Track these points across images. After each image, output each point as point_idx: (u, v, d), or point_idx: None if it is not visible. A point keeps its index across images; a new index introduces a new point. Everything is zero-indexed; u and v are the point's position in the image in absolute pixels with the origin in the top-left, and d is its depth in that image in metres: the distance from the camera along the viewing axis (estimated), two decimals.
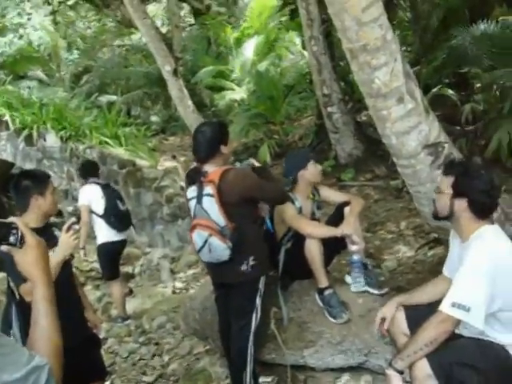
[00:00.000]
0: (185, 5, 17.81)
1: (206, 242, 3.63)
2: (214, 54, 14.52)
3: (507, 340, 2.88)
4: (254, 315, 3.77)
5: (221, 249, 3.61)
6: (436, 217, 3.17)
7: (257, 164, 4.00)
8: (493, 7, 10.90)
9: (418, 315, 3.05)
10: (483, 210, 2.98)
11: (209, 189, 3.60)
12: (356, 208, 4.17)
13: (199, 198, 3.65)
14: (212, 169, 3.67)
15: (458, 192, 2.94)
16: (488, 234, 2.92)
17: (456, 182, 2.95)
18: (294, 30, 13.57)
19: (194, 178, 3.74)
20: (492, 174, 3.06)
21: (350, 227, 3.99)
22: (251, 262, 3.69)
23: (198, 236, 3.68)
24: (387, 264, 6.01)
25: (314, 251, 3.93)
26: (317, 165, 4.35)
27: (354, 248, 4.03)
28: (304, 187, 4.32)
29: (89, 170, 6.65)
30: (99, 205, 6.33)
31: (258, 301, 3.77)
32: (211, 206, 3.59)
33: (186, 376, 4.98)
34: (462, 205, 2.93)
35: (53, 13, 20.44)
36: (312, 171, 4.30)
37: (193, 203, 3.72)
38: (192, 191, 3.75)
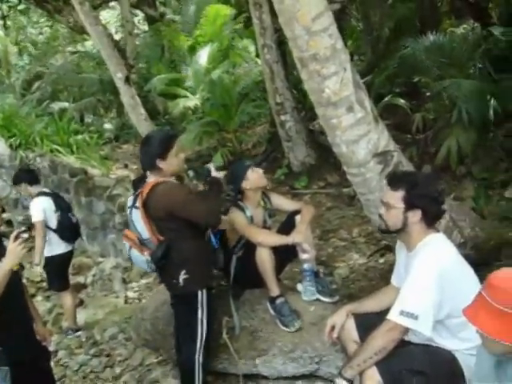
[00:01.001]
0: (139, 12, 17.67)
1: (129, 252, 3.73)
2: (168, 61, 14.39)
3: (454, 346, 2.92)
4: (198, 328, 3.71)
5: (140, 260, 3.70)
6: (386, 231, 3.17)
7: (214, 173, 3.87)
8: (442, 19, 11.22)
9: (368, 323, 3.07)
10: (434, 218, 3.02)
11: (138, 201, 3.61)
12: (307, 216, 4.15)
13: (131, 208, 3.69)
14: (151, 179, 3.65)
15: (410, 205, 2.95)
16: (434, 242, 2.96)
17: (408, 196, 2.95)
18: (248, 37, 13.58)
19: (137, 186, 3.74)
20: (436, 180, 3.09)
21: (300, 235, 3.96)
22: (183, 277, 3.64)
23: (125, 246, 3.80)
24: (339, 271, 6.03)
25: (265, 259, 3.92)
26: (256, 169, 4.27)
27: (304, 256, 4.03)
28: (252, 195, 4.27)
29: (27, 178, 6.30)
30: (52, 219, 6.18)
31: (200, 314, 3.70)
32: (137, 218, 3.64)
33: None
34: (415, 216, 2.96)
35: (3, 18, 20.05)
36: (253, 178, 4.22)
37: (128, 213, 3.75)
38: (130, 200, 3.78)
